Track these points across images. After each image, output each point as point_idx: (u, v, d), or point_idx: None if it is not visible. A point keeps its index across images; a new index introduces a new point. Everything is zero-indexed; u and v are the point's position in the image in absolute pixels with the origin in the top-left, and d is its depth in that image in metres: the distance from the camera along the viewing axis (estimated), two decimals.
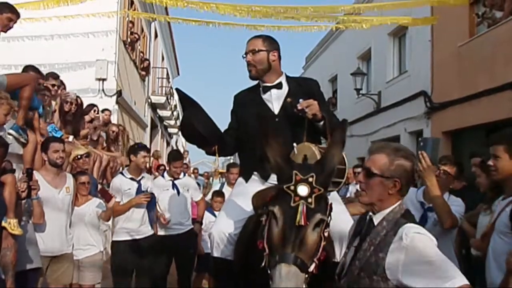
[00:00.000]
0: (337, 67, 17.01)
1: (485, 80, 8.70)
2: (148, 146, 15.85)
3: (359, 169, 8.42)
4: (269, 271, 2.04)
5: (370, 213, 2.22)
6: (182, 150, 25.71)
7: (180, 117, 3.10)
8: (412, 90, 11.44)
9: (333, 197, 2.54)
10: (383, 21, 9.14)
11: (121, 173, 5.64)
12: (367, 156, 2.26)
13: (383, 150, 2.19)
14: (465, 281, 1.91)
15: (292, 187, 2.08)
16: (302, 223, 2.02)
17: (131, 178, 5.35)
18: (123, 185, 5.27)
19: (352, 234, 2.37)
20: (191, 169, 16.47)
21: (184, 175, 6.01)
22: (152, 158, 11.53)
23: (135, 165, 5.40)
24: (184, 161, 18.06)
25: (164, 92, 18.08)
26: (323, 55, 19.29)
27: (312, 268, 2.03)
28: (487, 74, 8.69)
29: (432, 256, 1.95)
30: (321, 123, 2.79)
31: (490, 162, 2.98)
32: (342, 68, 16.10)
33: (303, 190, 2.08)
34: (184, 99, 2.91)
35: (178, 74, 26.51)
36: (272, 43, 3.07)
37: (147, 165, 6.00)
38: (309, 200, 2.06)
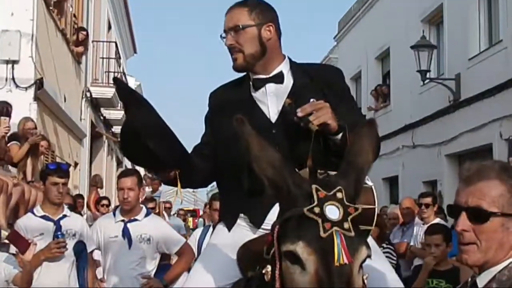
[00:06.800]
0: (389, 36, 14.46)
1: None
2: (86, 166, 12.91)
3: (427, 199, 7.40)
4: None
5: (475, 275, 1.97)
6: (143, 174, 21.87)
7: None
8: (510, 71, 9.60)
9: (373, 247, 2.00)
10: None
11: (31, 211, 5.06)
12: (461, 187, 1.83)
13: (489, 173, 1.77)
14: None
15: (316, 209, 1.68)
16: (346, 261, 1.64)
17: (44, 217, 4.72)
18: (31, 228, 4.64)
19: None
20: (162, 202, 11.26)
21: (149, 214, 5.04)
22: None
23: (46, 197, 4.92)
24: (155, 194, 11.66)
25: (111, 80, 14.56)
26: (365, 18, 16.30)
27: None
28: None
29: None
30: (339, 136, 2.22)
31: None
32: (398, 37, 13.70)
33: (333, 211, 1.70)
34: (127, 94, 2.29)
35: (135, 52, 21.97)
36: (264, 12, 2.39)
37: (65, 197, 5.11)
38: (345, 225, 1.69)
